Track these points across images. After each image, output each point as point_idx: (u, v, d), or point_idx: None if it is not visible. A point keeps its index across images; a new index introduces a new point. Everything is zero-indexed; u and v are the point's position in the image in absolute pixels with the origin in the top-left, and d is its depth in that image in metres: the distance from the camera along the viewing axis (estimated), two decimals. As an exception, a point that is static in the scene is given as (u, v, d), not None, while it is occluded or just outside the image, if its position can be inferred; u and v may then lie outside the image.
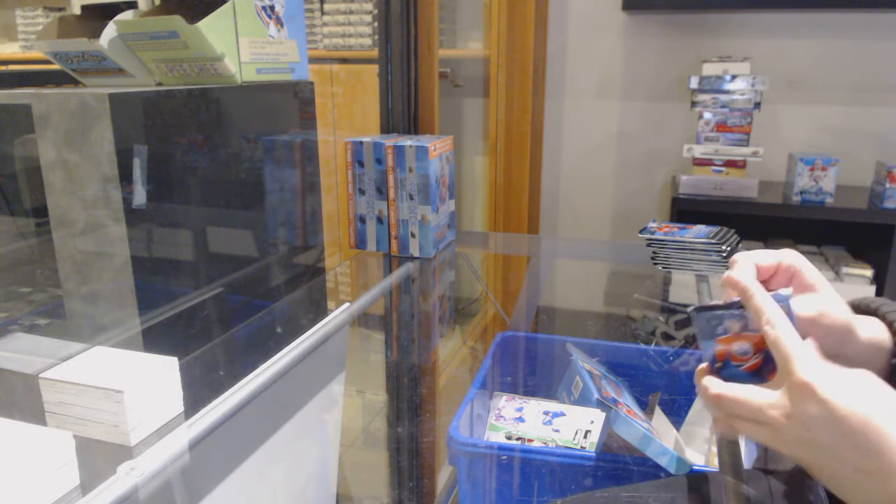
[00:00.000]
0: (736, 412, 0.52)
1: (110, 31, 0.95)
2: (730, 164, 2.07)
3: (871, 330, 0.56)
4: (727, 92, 2.02)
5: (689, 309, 0.56)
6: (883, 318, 0.57)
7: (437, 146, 1.39)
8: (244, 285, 1.05)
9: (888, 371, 0.55)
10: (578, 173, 2.52)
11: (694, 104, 2.07)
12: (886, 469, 0.44)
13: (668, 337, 1.24)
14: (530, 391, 1.11)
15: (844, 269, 1.99)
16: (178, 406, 0.72)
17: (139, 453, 0.65)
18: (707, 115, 2.06)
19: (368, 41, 2.45)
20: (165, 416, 0.70)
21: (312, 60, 1.29)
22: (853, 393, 0.46)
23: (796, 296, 0.56)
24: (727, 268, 0.58)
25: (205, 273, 0.97)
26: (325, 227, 1.28)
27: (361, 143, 1.39)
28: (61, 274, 0.85)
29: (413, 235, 1.39)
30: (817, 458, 0.48)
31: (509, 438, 0.92)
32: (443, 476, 1.06)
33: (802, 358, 0.49)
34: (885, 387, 0.47)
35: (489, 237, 2.00)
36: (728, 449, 0.65)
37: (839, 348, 0.54)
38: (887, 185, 1.90)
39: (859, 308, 0.60)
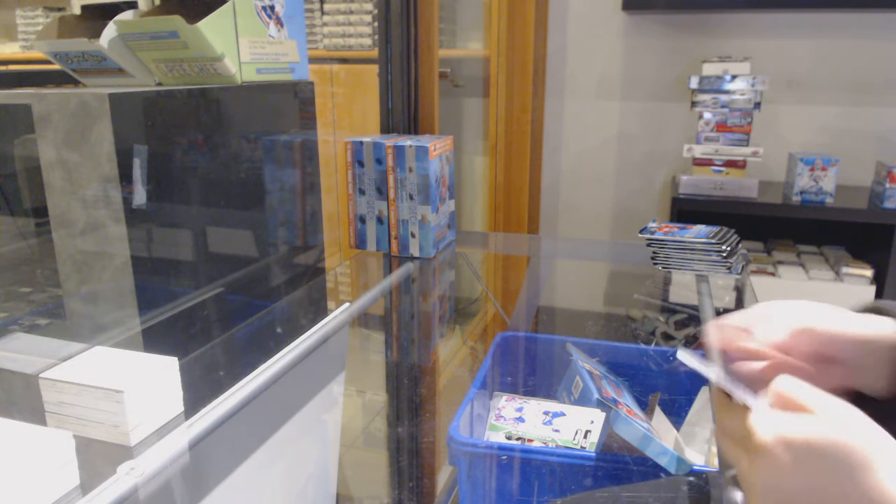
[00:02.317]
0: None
1: (110, 31, 0.95)
2: (730, 164, 2.07)
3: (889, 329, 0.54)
4: (727, 92, 2.02)
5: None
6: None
7: (437, 146, 1.39)
8: (244, 285, 1.05)
9: None
10: (578, 173, 2.52)
11: (694, 104, 2.06)
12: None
13: (668, 337, 1.24)
14: (530, 391, 1.11)
15: (844, 269, 1.99)
16: (178, 406, 0.72)
17: (139, 453, 0.65)
18: (707, 115, 2.06)
19: (368, 41, 2.45)
20: (165, 416, 0.70)
21: (312, 60, 1.29)
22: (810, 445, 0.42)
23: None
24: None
25: (205, 273, 0.97)
26: (325, 227, 1.28)
27: (361, 143, 1.39)
28: (61, 274, 0.85)
29: (413, 235, 1.39)
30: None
31: (509, 438, 0.92)
32: (443, 476, 1.06)
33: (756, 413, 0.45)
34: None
35: (489, 237, 2.00)
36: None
37: (860, 359, 0.53)
38: (887, 185, 1.90)
39: (875, 311, 0.58)
